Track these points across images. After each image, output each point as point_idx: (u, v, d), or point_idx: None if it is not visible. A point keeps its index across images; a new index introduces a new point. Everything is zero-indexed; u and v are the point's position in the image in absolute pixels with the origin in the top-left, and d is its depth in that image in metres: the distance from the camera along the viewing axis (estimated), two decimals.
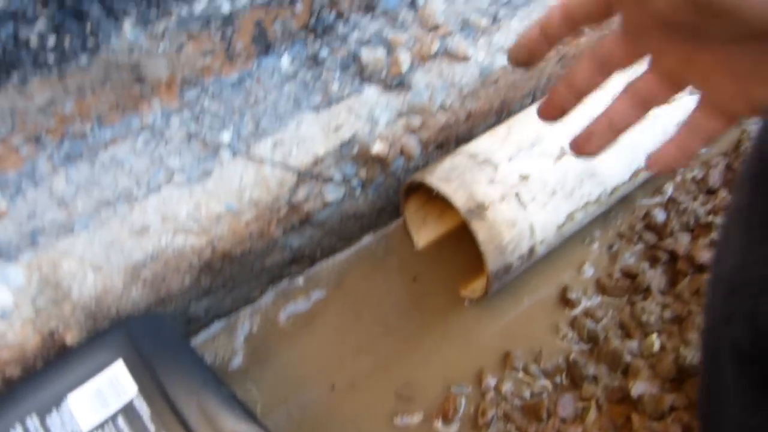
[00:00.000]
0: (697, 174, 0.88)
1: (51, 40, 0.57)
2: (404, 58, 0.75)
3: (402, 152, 0.76)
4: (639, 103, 0.37)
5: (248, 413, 0.56)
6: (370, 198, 0.77)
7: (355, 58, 0.74)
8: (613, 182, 0.76)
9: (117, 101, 0.65)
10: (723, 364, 0.29)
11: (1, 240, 0.60)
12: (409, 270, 0.81)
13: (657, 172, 0.40)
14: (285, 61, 0.73)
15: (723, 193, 0.84)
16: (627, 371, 0.69)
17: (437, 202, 0.75)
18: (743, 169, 0.26)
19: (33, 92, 0.58)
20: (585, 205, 0.74)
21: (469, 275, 0.79)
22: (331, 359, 0.74)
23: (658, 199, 0.88)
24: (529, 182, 0.70)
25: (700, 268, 0.75)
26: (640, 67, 0.37)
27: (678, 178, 0.90)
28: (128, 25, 0.60)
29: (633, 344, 0.70)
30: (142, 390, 0.55)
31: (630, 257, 0.81)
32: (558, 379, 0.72)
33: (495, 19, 0.81)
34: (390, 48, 0.75)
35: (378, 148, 0.72)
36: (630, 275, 0.78)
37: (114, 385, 0.55)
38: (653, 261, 0.79)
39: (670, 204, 0.85)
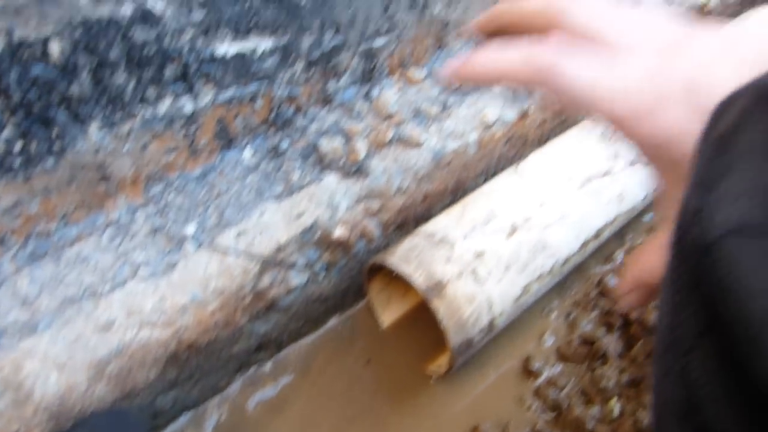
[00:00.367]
0: (644, 240, 0.93)
1: (17, 146, 0.59)
2: (361, 146, 0.79)
3: (363, 235, 0.79)
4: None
5: None
6: (333, 281, 0.79)
7: (314, 148, 0.78)
8: (565, 253, 0.80)
9: (82, 200, 0.67)
10: (666, 423, 0.30)
11: None
12: (376, 350, 0.82)
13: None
14: (247, 154, 0.76)
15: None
16: None
17: (400, 281, 0.77)
18: (669, 236, 0.28)
19: None
20: (539, 277, 0.77)
21: (434, 352, 0.80)
22: None
23: (609, 266, 0.92)
24: (485, 258, 0.73)
25: (652, 331, 0.78)
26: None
27: (627, 245, 0.95)
28: (94, 128, 0.63)
29: (595, 410, 0.72)
30: None
31: (587, 324, 0.84)
32: None
33: (445, 107, 0.87)
34: (347, 137, 0.80)
35: (339, 232, 0.75)
36: (588, 342, 0.81)
37: None
38: (609, 327, 0.83)
39: (621, 270, 0.89)
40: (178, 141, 0.70)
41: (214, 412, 0.75)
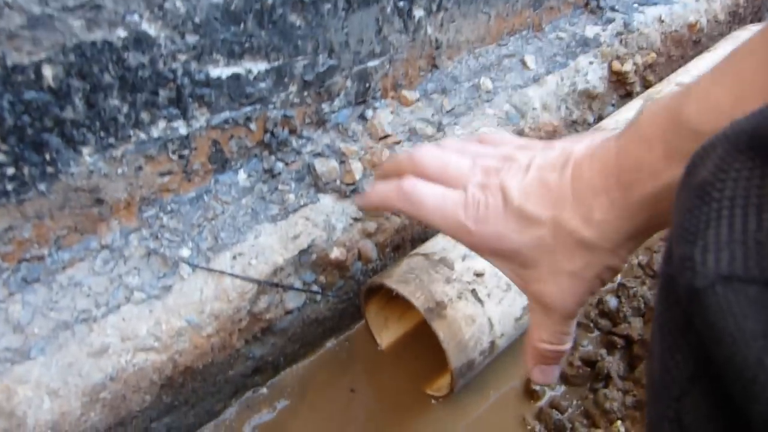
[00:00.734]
0: (643, 259, 0.92)
1: (10, 170, 0.58)
2: (357, 167, 0.79)
3: (360, 256, 0.78)
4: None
5: None
6: (331, 303, 0.78)
7: (309, 169, 0.78)
8: None
9: (75, 224, 0.66)
10: None
11: None
12: (375, 371, 0.81)
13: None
14: (242, 176, 0.76)
15: None
16: None
17: (397, 302, 0.77)
18: (657, 281, 0.30)
19: None
20: None
21: (433, 373, 0.79)
22: None
23: (609, 286, 0.91)
24: (485, 279, 0.72)
25: None
26: None
27: (626, 265, 0.95)
28: (87, 152, 0.62)
29: None
30: None
31: (588, 345, 0.84)
32: None
33: (439, 128, 0.87)
34: (342, 158, 0.80)
35: (336, 253, 0.75)
36: (590, 363, 0.80)
37: None
38: (610, 347, 0.82)
39: (621, 290, 0.88)
40: (173, 164, 0.69)
41: None
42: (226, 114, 0.71)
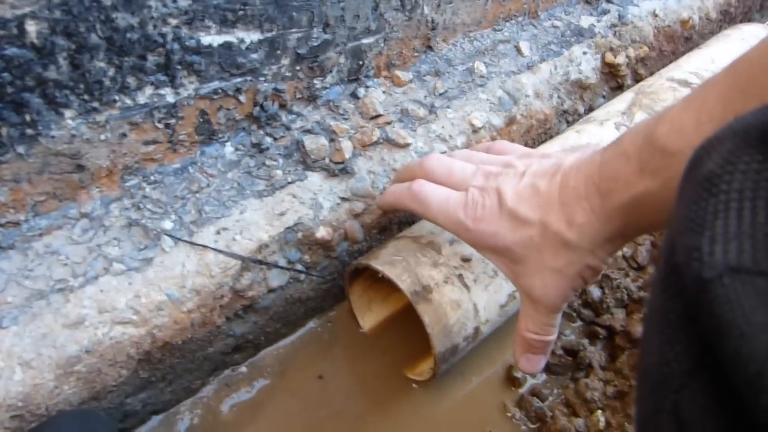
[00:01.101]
0: (627, 252, 0.92)
1: None
2: (346, 146, 0.77)
3: (346, 236, 0.77)
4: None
5: None
6: (315, 282, 0.77)
7: (298, 145, 0.76)
8: None
9: (54, 190, 0.64)
10: None
11: None
12: (356, 353, 0.80)
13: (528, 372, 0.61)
14: (229, 149, 0.74)
15: (651, 269, 0.88)
16: None
17: (382, 284, 0.76)
18: (654, 271, 0.30)
19: None
20: None
21: (415, 357, 0.78)
22: None
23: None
24: (471, 264, 0.72)
25: (636, 343, 0.77)
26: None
27: (605, 265, 0.95)
28: (69, 115, 0.60)
29: (579, 422, 0.71)
30: None
31: (570, 334, 0.84)
32: None
33: (432, 110, 0.86)
34: (332, 136, 0.78)
35: (322, 233, 0.73)
36: (571, 352, 0.80)
37: None
38: (592, 337, 0.82)
39: (604, 281, 0.88)
40: (158, 132, 0.67)
41: (187, 414, 0.72)
42: (215, 84, 0.69)
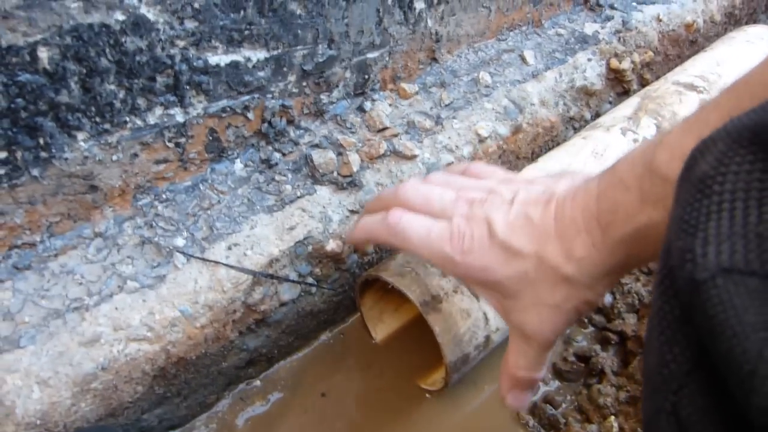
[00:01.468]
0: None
1: (2, 155, 0.57)
2: (354, 159, 0.78)
3: (356, 249, 0.77)
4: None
5: None
6: (326, 295, 0.77)
7: (307, 160, 0.77)
8: None
9: (69, 210, 0.65)
10: None
11: None
12: (369, 365, 0.81)
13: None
14: (238, 166, 0.75)
15: None
16: None
17: (393, 295, 0.76)
18: (655, 275, 0.30)
19: None
20: None
21: (428, 367, 0.79)
22: None
23: None
24: None
25: None
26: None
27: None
28: (82, 138, 0.61)
29: (593, 428, 0.71)
30: None
31: (582, 340, 0.83)
32: None
33: (438, 121, 0.86)
34: (340, 150, 0.79)
35: (332, 245, 0.74)
36: (584, 358, 0.80)
37: None
38: (604, 343, 0.82)
39: (616, 286, 0.88)
40: (169, 152, 0.68)
41: (203, 429, 0.73)
42: (223, 102, 0.70)
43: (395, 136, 0.83)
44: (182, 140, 0.69)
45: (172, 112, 0.66)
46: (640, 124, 0.97)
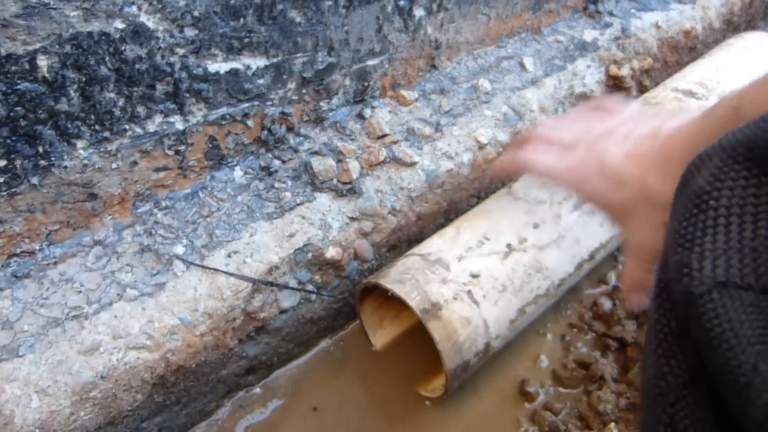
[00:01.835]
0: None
1: (1, 163, 0.57)
2: (354, 166, 0.78)
3: (356, 256, 0.77)
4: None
5: None
6: (326, 302, 0.77)
7: (306, 167, 0.77)
8: (560, 275, 0.79)
9: (68, 218, 0.65)
10: None
11: None
12: (368, 371, 0.80)
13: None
14: (238, 173, 0.75)
15: None
16: None
17: (392, 302, 0.76)
18: (653, 288, 0.30)
19: None
20: (535, 298, 0.76)
21: (427, 374, 0.79)
22: None
23: (603, 288, 0.91)
24: (480, 280, 0.72)
25: None
26: None
27: (619, 267, 0.95)
28: (81, 146, 0.61)
29: None
30: None
31: (582, 347, 0.83)
32: None
33: (437, 128, 0.86)
34: (340, 157, 0.79)
35: (332, 253, 0.74)
36: (583, 365, 0.80)
37: None
38: (604, 349, 0.81)
39: (615, 292, 0.88)
40: (168, 159, 0.68)
41: None
42: (223, 110, 0.70)
43: (395, 143, 0.83)
44: (182, 148, 0.69)
45: (171, 119, 0.66)
46: None
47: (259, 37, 0.68)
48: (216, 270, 0.67)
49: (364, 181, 0.79)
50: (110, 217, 0.68)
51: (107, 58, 0.58)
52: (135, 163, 0.66)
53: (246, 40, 0.67)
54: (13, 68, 0.53)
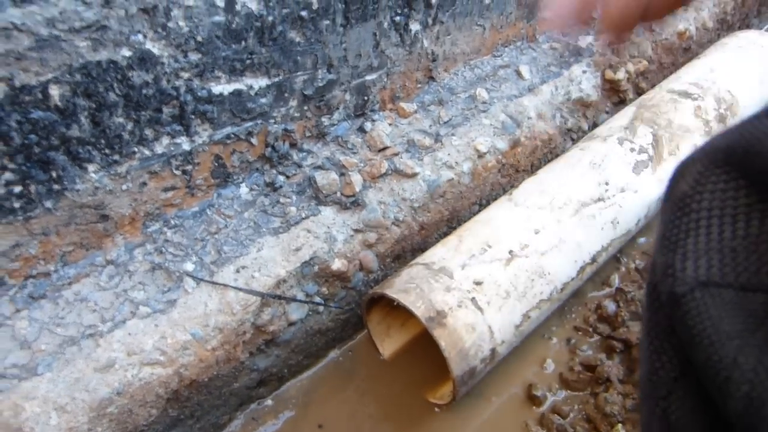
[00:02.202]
0: (639, 264, 0.94)
1: (17, 189, 0.59)
2: (356, 179, 0.80)
3: (361, 267, 0.79)
4: None
5: None
6: (333, 313, 0.79)
7: (310, 182, 0.79)
8: (563, 279, 0.81)
9: (81, 239, 0.67)
10: None
11: None
12: (377, 380, 0.82)
13: None
14: (244, 190, 0.77)
15: None
16: None
17: (399, 311, 0.78)
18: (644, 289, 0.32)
19: None
20: (538, 303, 0.77)
21: (435, 381, 0.80)
22: None
23: (606, 290, 0.93)
24: (484, 287, 0.73)
25: None
26: None
27: (622, 269, 0.96)
28: (92, 169, 0.63)
29: None
30: None
31: (588, 349, 0.85)
32: None
33: (437, 138, 0.88)
34: (342, 170, 0.81)
35: (338, 265, 0.76)
36: (590, 367, 0.81)
37: None
38: (610, 351, 0.83)
39: (619, 294, 0.89)
40: (176, 179, 0.70)
41: None
42: (228, 129, 0.72)
43: (396, 155, 0.85)
44: (189, 167, 0.71)
45: (178, 141, 0.68)
46: (636, 133, 0.99)
47: (261, 58, 0.70)
48: (225, 285, 0.69)
49: (367, 193, 0.81)
50: (122, 237, 0.69)
51: (115, 85, 0.60)
52: (144, 184, 0.68)
53: (248, 61, 0.69)
54: (27, 98, 0.55)
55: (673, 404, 0.27)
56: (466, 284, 0.73)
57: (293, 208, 0.77)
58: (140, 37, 0.60)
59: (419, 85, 0.94)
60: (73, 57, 0.56)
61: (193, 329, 0.67)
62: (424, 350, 0.81)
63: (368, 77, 0.85)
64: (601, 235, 0.86)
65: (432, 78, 0.96)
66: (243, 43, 0.68)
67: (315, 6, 0.72)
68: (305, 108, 0.79)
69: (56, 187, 0.62)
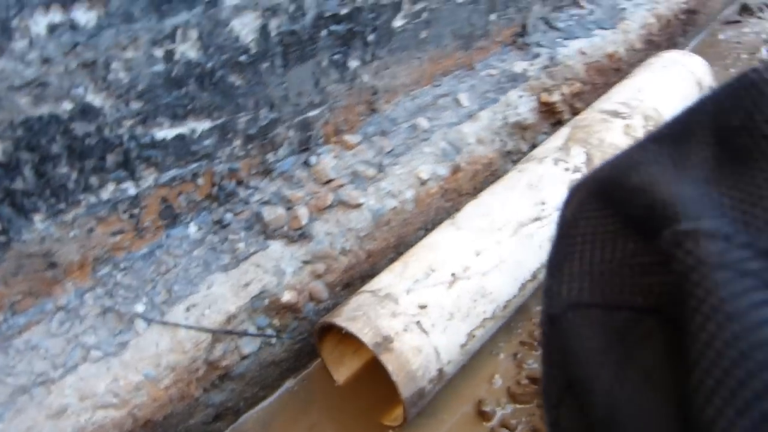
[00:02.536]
0: None
1: None
2: (303, 212, 0.83)
3: (311, 297, 0.81)
4: None
5: None
6: (286, 345, 0.81)
7: (257, 217, 0.82)
8: (505, 297, 0.85)
9: (30, 288, 0.68)
10: None
11: None
12: (334, 407, 0.84)
13: None
14: (192, 229, 0.79)
15: None
16: None
17: (350, 338, 0.80)
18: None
19: None
20: (482, 322, 0.81)
21: (389, 404, 0.83)
22: None
23: None
24: (428, 310, 0.77)
25: None
26: None
27: None
28: (38, 219, 0.65)
29: None
30: None
31: (533, 363, 0.88)
32: None
33: (380, 168, 0.92)
34: (289, 205, 0.84)
35: (287, 297, 0.78)
36: (536, 380, 0.85)
37: None
38: None
39: None
40: (123, 223, 0.72)
41: None
42: (173, 172, 0.74)
43: (341, 186, 0.88)
44: (136, 211, 0.73)
45: (124, 186, 0.70)
46: (570, 153, 1.04)
47: (202, 102, 0.73)
48: (176, 324, 0.71)
49: (314, 225, 0.83)
50: (71, 282, 0.71)
51: (58, 137, 0.62)
52: (92, 230, 0.69)
53: (189, 106, 0.72)
54: None
55: (563, 412, 0.30)
56: (411, 309, 0.77)
57: (242, 244, 0.79)
58: (81, 90, 0.62)
59: (362, 118, 0.98)
60: (14, 113, 0.58)
61: (145, 370, 0.68)
62: (378, 374, 0.84)
63: (311, 113, 0.88)
64: (539, 253, 0.90)
65: (374, 110, 1.00)
66: (184, 89, 0.70)
67: (253, 51, 0.75)
68: (249, 147, 0.82)
69: (2, 238, 0.63)
